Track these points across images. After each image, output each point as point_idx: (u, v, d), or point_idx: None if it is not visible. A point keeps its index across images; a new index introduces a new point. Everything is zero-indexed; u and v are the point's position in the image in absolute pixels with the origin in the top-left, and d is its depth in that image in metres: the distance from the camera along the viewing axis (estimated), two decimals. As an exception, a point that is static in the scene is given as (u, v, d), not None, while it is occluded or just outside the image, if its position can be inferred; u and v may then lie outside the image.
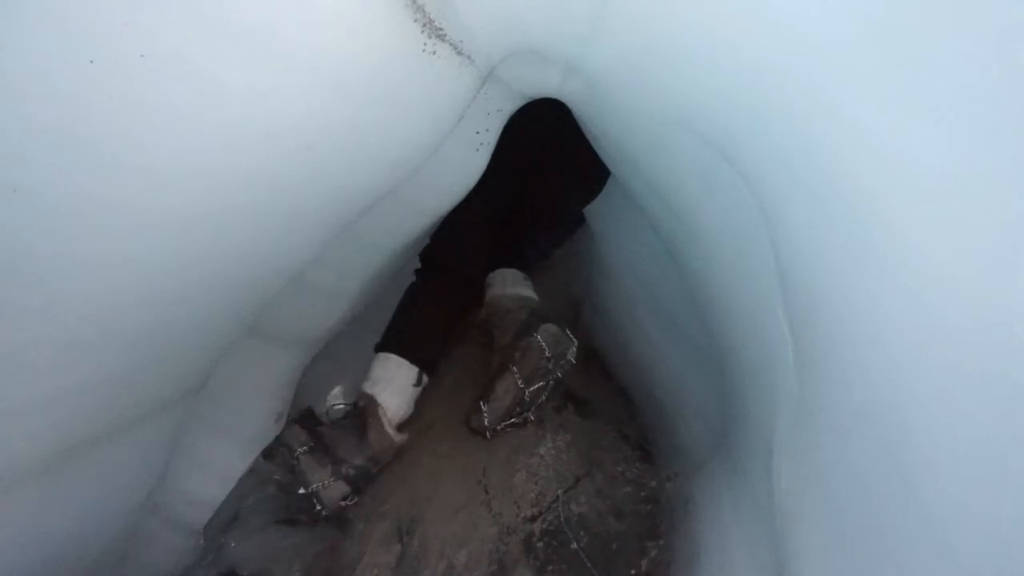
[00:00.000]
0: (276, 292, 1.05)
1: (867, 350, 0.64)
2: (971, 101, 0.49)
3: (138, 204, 0.67)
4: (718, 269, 1.00)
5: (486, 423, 1.37)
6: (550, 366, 1.38)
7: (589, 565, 1.16)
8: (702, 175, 0.91)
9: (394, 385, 1.40)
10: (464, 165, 1.06)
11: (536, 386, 1.38)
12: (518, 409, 1.39)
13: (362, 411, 1.37)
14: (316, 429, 1.33)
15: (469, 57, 0.77)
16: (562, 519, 1.24)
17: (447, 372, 1.59)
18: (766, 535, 0.91)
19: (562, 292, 1.87)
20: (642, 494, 1.29)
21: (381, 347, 1.44)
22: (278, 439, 1.33)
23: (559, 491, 1.30)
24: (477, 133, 1.01)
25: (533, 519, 1.26)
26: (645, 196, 1.13)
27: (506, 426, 1.40)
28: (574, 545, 1.20)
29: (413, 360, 1.43)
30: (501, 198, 1.52)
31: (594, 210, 1.51)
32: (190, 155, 0.64)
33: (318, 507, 1.30)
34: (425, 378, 1.45)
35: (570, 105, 1.10)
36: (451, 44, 0.72)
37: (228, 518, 1.33)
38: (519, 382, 1.37)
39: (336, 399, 1.62)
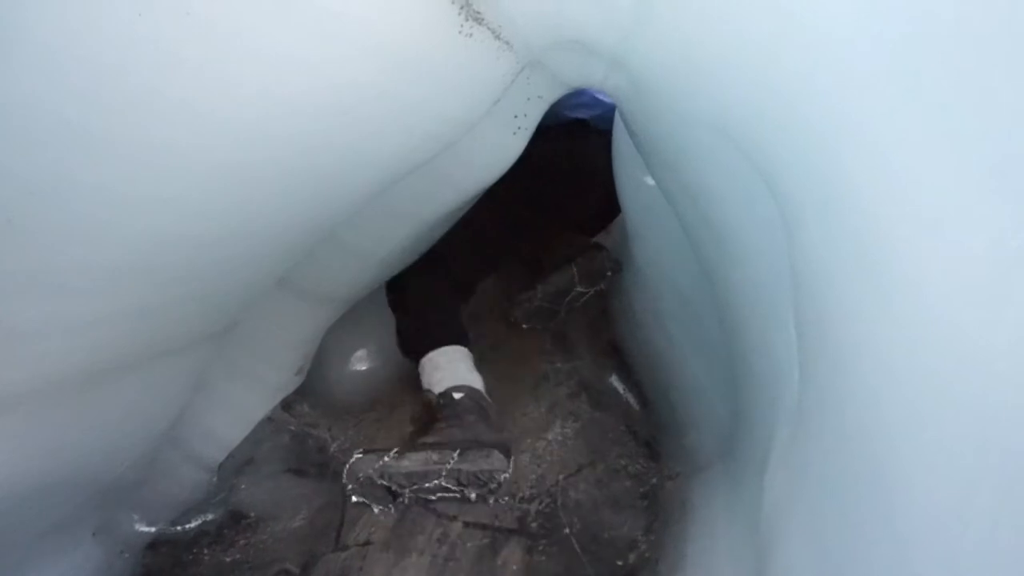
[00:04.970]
0: (308, 248, 1.09)
1: (860, 377, 0.64)
2: (982, 137, 0.49)
3: (182, 146, 0.71)
4: (739, 278, 1.00)
5: (534, 305, 1.64)
6: (607, 275, 1.67)
7: (578, 550, 1.18)
8: (732, 181, 0.91)
9: (469, 367, 1.43)
10: (500, 147, 1.07)
11: (589, 289, 1.66)
12: (559, 302, 1.67)
13: (473, 400, 1.35)
14: (429, 443, 1.27)
15: (508, 43, 0.78)
16: (559, 503, 1.27)
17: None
18: (751, 546, 0.92)
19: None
20: (641, 490, 1.31)
21: (428, 346, 1.45)
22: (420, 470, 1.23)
23: (560, 476, 1.33)
24: (515, 117, 1.03)
25: (531, 500, 1.29)
26: (677, 198, 1.13)
27: (535, 324, 1.69)
28: (567, 530, 1.22)
29: (464, 343, 1.48)
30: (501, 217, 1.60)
31: (628, 205, 1.52)
32: (229, 108, 0.67)
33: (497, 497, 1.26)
34: None
35: (614, 100, 1.11)
36: (489, 28, 0.74)
37: (243, 460, 1.39)
38: (575, 277, 1.64)
39: (361, 362, 1.68)
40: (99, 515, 1.14)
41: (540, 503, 1.27)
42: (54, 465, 0.92)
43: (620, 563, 1.17)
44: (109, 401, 0.96)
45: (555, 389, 1.54)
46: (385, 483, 1.22)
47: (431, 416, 1.37)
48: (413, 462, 1.22)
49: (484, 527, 1.24)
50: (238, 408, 1.36)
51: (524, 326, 1.70)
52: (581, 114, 1.68)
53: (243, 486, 1.38)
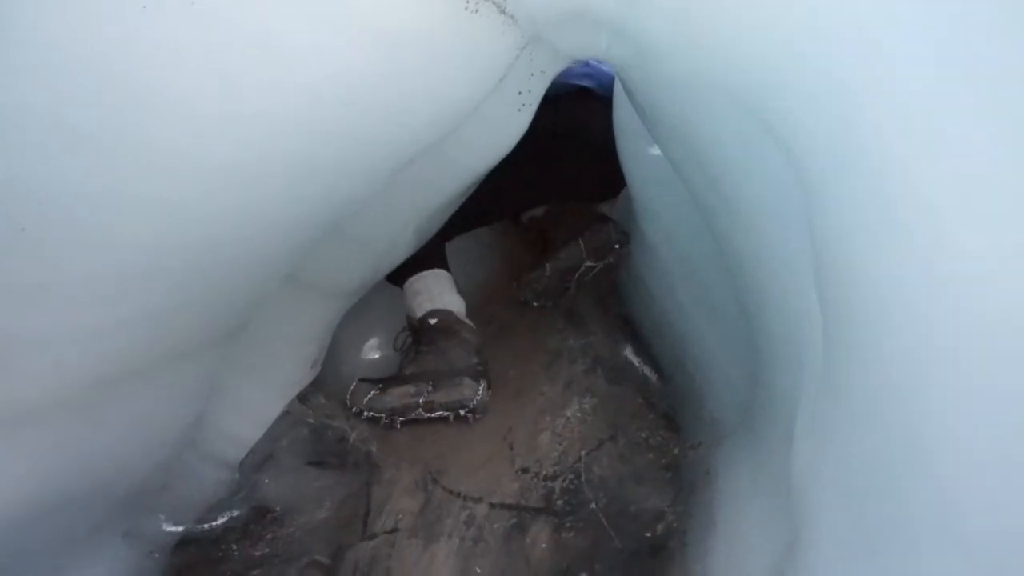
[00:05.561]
0: (314, 242, 1.07)
1: (891, 334, 0.64)
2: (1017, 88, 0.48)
3: (185, 146, 0.70)
4: (755, 244, 0.99)
5: (543, 284, 1.65)
6: (615, 247, 1.65)
7: (606, 525, 1.18)
8: (743, 146, 0.89)
9: (447, 290, 1.56)
10: (505, 125, 1.06)
11: (598, 264, 1.66)
12: (568, 279, 1.67)
13: (446, 325, 1.50)
14: (409, 375, 1.45)
15: (513, 17, 0.76)
16: (583, 479, 1.27)
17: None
18: (781, 510, 0.92)
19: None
20: (664, 461, 1.31)
21: (409, 272, 1.54)
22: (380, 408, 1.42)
23: (582, 452, 1.33)
24: (519, 93, 1.01)
25: (555, 478, 1.29)
26: (686, 167, 1.12)
27: (545, 302, 1.70)
28: (593, 505, 1.23)
29: (443, 267, 1.60)
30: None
31: (633, 177, 1.51)
32: (231, 103, 0.66)
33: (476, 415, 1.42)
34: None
35: (617, 70, 1.10)
36: (494, 2, 0.72)
37: (263, 457, 1.39)
38: (583, 252, 1.64)
39: (373, 351, 1.68)
40: (126, 519, 1.14)
41: (564, 480, 1.28)
42: (75, 475, 0.91)
43: (648, 535, 1.17)
44: (125, 409, 0.95)
45: (570, 366, 1.53)
46: (375, 414, 1.42)
47: (415, 340, 1.55)
48: (394, 397, 1.42)
49: (510, 507, 1.24)
50: (255, 405, 1.36)
51: (535, 304, 1.71)
52: (585, 82, 1.66)
53: (266, 481, 1.37)
